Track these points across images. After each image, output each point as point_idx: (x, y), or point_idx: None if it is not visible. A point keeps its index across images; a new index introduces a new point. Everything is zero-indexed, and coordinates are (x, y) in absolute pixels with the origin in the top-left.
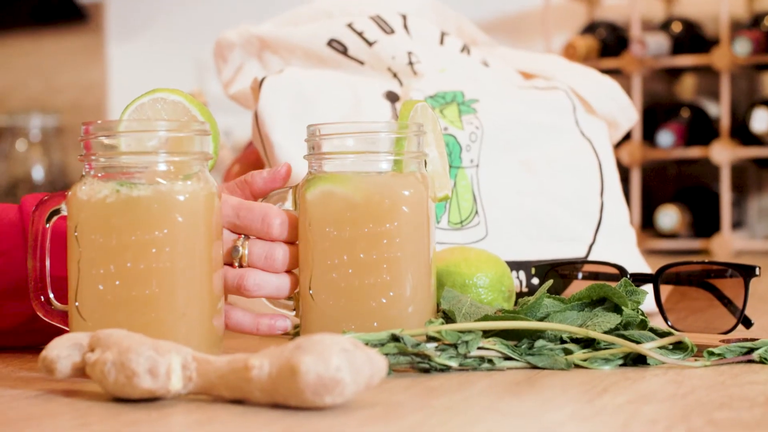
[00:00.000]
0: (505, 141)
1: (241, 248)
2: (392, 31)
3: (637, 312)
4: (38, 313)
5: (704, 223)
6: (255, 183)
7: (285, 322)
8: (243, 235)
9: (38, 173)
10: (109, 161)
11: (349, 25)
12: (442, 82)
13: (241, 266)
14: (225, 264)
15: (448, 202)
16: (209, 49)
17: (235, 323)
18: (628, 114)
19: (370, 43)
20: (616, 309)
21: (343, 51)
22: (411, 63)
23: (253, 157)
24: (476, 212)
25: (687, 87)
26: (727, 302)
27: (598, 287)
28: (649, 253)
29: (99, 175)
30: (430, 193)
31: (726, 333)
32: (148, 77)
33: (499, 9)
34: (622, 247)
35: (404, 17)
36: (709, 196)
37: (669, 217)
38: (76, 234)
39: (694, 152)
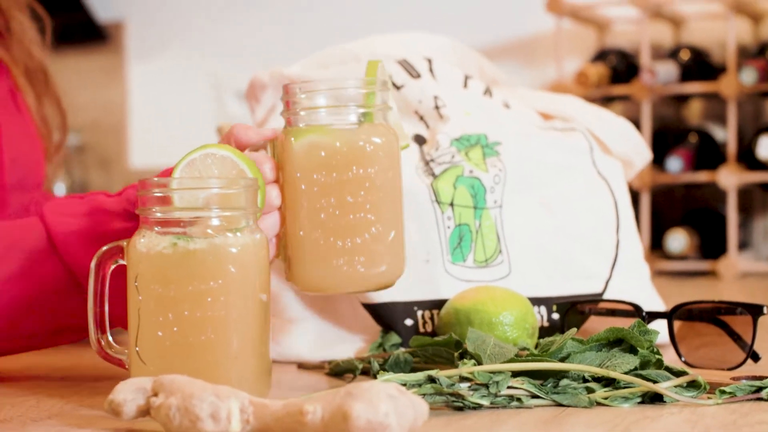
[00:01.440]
0: (527, 182)
1: None
2: (419, 76)
3: (652, 351)
4: (98, 354)
5: (711, 245)
6: (240, 136)
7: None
8: None
9: (60, 191)
10: (165, 215)
11: None
12: (466, 124)
13: None
14: None
15: (474, 241)
16: (227, 68)
17: None
18: (642, 154)
19: (398, 87)
20: (633, 349)
21: None
22: (437, 107)
23: None
24: (500, 251)
25: (694, 111)
26: (736, 338)
27: (616, 330)
28: (658, 274)
29: (156, 229)
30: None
31: (735, 368)
32: (167, 96)
33: (512, 33)
34: (636, 282)
35: (429, 61)
36: (716, 218)
37: (678, 241)
38: (136, 284)
39: (702, 177)
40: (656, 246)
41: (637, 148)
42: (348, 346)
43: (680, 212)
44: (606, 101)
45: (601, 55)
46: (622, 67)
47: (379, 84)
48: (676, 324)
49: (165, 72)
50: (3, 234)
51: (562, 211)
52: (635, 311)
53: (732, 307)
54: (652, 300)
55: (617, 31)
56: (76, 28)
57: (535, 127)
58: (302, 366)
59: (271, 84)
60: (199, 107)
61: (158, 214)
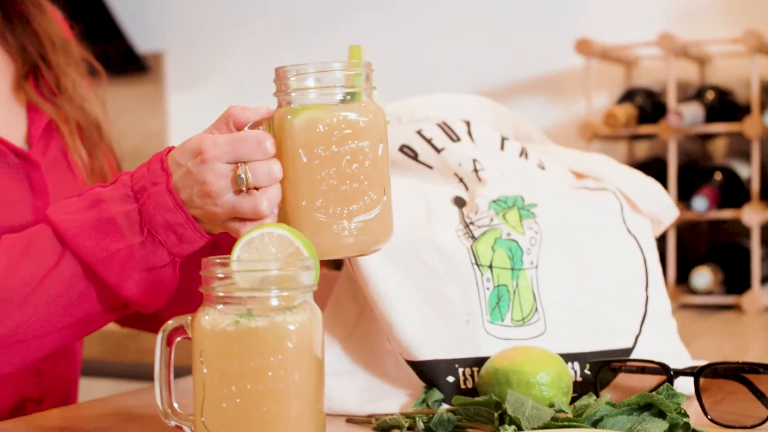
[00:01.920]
0: (561, 243)
1: (243, 174)
2: (458, 139)
3: (680, 413)
4: (164, 419)
5: (736, 279)
6: (237, 117)
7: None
8: (239, 164)
9: None
10: (226, 294)
11: (419, 132)
12: (503, 186)
13: (247, 189)
14: (233, 192)
15: (511, 300)
16: (265, 99)
17: None
18: (669, 213)
19: (438, 150)
20: (662, 412)
21: (414, 156)
22: (476, 170)
23: None
24: (536, 309)
25: (719, 148)
26: (760, 395)
27: (646, 396)
28: (683, 307)
29: (218, 307)
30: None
31: (758, 425)
32: (205, 126)
33: (541, 70)
34: (665, 336)
35: (468, 124)
36: (740, 252)
37: (703, 278)
38: (201, 359)
39: (727, 214)
40: (682, 280)
41: (666, 208)
42: (393, 400)
43: (705, 247)
44: (633, 139)
45: (628, 95)
46: (648, 106)
47: (363, 65)
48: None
49: (204, 102)
50: (15, 243)
51: (594, 270)
52: (663, 370)
53: (755, 367)
54: (679, 353)
55: (645, 67)
56: (117, 58)
57: (569, 186)
58: (351, 420)
59: None
60: None
61: (221, 294)
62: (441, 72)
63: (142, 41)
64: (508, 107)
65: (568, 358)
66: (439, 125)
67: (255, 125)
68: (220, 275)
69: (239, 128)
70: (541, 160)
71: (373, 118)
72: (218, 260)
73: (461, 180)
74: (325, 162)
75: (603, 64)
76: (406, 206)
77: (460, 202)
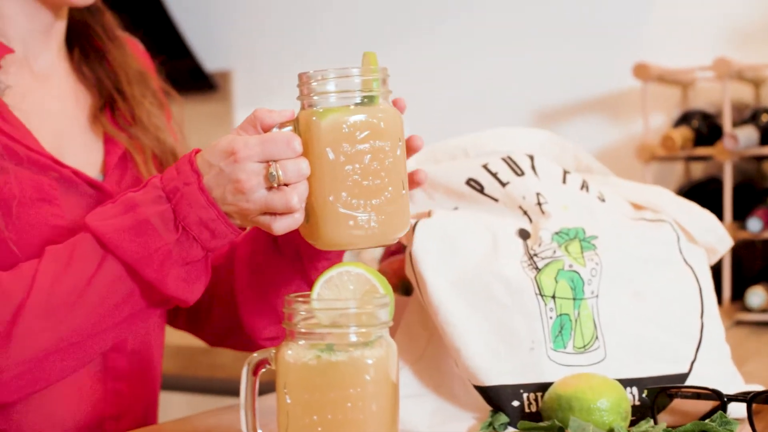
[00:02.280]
0: (620, 274)
1: (275, 171)
2: (522, 173)
3: None
4: None
5: None
6: (264, 119)
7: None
8: (271, 162)
9: None
10: (308, 330)
11: (485, 166)
12: (565, 219)
13: (278, 186)
14: (265, 189)
15: (573, 329)
16: None
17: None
18: (724, 242)
19: (503, 184)
20: None
21: (480, 189)
22: (539, 203)
23: (396, 265)
24: (596, 337)
25: None
26: None
27: (700, 424)
28: (738, 324)
29: (300, 342)
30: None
31: None
32: None
33: (599, 90)
34: (719, 362)
35: (531, 158)
36: None
37: (757, 296)
38: (285, 390)
39: None
40: (737, 297)
41: (721, 238)
42: (461, 423)
43: (760, 264)
44: (689, 160)
45: (685, 118)
46: (704, 129)
47: (380, 71)
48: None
49: None
50: (59, 253)
51: (652, 299)
52: (716, 396)
53: None
54: (732, 378)
55: (701, 89)
56: (186, 76)
57: (628, 218)
58: None
59: None
60: None
61: (303, 330)
62: (501, 93)
63: (210, 60)
64: (566, 128)
65: (626, 383)
66: (504, 159)
67: (281, 126)
68: (303, 313)
69: (266, 130)
70: (602, 192)
71: (391, 120)
72: (300, 298)
73: (525, 213)
74: (349, 159)
75: (660, 86)
76: (474, 239)
77: (524, 234)
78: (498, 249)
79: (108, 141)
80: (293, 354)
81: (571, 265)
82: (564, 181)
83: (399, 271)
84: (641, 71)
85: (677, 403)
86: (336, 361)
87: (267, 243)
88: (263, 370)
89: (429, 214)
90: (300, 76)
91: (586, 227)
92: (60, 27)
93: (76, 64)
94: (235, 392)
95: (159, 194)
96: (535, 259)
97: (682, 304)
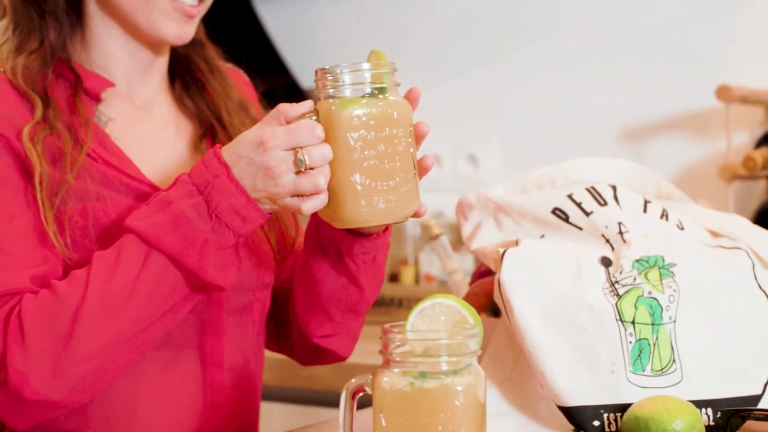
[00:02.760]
0: (697, 299)
1: (303, 157)
2: (605, 203)
3: None
4: None
5: None
6: (287, 114)
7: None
8: (297, 149)
9: None
10: (403, 359)
11: (570, 196)
12: (645, 247)
13: (305, 170)
14: (294, 174)
15: (651, 353)
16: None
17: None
18: None
19: (587, 213)
20: None
21: (565, 218)
22: (621, 232)
23: (487, 287)
24: (673, 360)
25: None
26: None
27: None
28: None
29: (395, 370)
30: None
31: None
32: None
33: (682, 109)
34: None
35: (614, 188)
36: None
37: None
38: (381, 414)
39: None
40: None
41: None
42: None
43: None
44: None
45: (766, 138)
46: None
47: (389, 65)
48: None
49: None
50: (106, 255)
51: (727, 324)
52: None
53: None
54: None
55: None
56: (282, 92)
57: (705, 245)
58: None
59: (477, 205)
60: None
61: (398, 359)
62: (586, 111)
63: (305, 76)
64: (650, 146)
65: (701, 404)
66: (588, 190)
67: (302, 117)
68: (398, 342)
69: (289, 122)
70: (680, 220)
71: (403, 110)
72: (396, 329)
73: (608, 241)
74: (366, 145)
75: (743, 106)
76: (559, 267)
77: (606, 262)
78: (581, 276)
79: None
80: (389, 381)
81: (650, 292)
82: (645, 211)
83: (489, 292)
84: (724, 93)
85: (750, 424)
86: (428, 388)
87: (315, 248)
88: (361, 394)
89: (516, 243)
90: (317, 71)
91: (665, 255)
92: (161, 62)
93: (177, 96)
94: (331, 403)
95: (190, 188)
96: (616, 286)
97: (755, 328)
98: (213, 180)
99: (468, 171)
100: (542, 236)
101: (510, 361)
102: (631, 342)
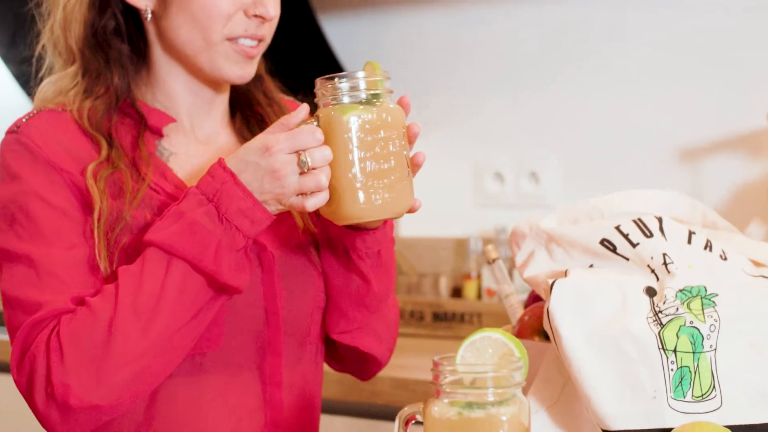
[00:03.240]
0: (738, 328)
1: (305, 158)
2: (651, 235)
3: None
4: None
5: None
6: (289, 122)
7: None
8: (300, 152)
9: None
10: (452, 389)
11: (617, 228)
12: (689, 277)
13: (308, 170)
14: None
15: (692, 380)
16: (485, 152)
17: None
18: None
19: (633, 245)
20: None
21: (613, 249)
22: (665, 263)
23: (540, 311)
24: (713, 387)
25: None
26: None
27: None
28: None
29: (444, 401)
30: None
31: None
32: (432, 174)
33: (739, 128)
34: None
35: (660, 220)
36: None
37: None
38: None
39: None
40: None
41: None
42: None
43: None
44: None
45: None
46: None
47: (382, 74)
48: None
49: (431, 152)
50: (132, 270)
51: (767, 352)
52: None
53: None
54: None
55: None
56: None
57: (748, 275)
58: None
59: (529, 234)
60: (460, 185)
61: (447, 390)
62: (642, 130)
63: None
64: (706, 164)
65: (740, 429)
66: (635, 221)
67: (302, 123)
68: (448, 374)
69: (291, 129)
70: (724, 250)
71: (396, 115)
72: (446, 361)
73: (653, 271)
74: (364, 146)
75: None
76: (605, 297)
77: (651, 292)
78: (626, 306)
79: None
80: (438, 410)
81: (691, 322)
82: (689, 242)
83: (541, 317)
84: None
85: None
86: (475, 417)
87: (325, 248)
88: (413, 422)
89: (565, 274)
90: (317, 81)
91: (708, 285)
92: (222, 98)
93: (238, 129)
94: (392, 417)
95: (200, 198)
96: (659, 315)
97: None
98: (221, 187)
99: (529, 188)
100: (591, 265)
101: (558, 386)
102: (672, 369)
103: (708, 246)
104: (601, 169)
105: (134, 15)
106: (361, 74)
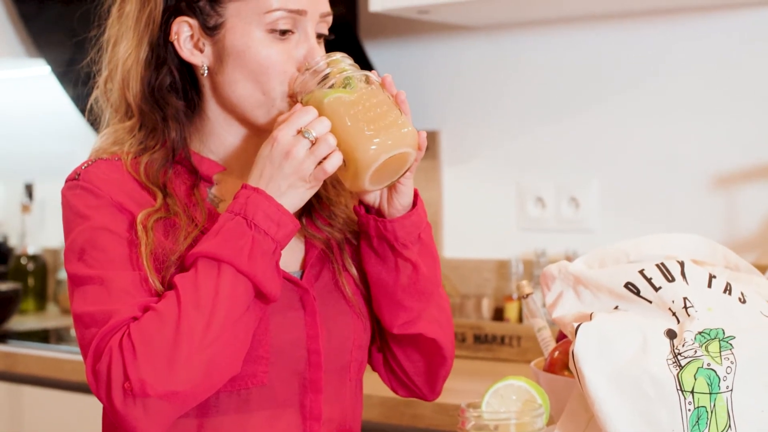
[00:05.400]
0: (754, 369)
1: (307, 132)
2: (673, 279)
3: None
4: None
5: None
6: (280, 119)
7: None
8: (301, 130)
9: None
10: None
11: (641, 272)
12: (708, 320)
13: (315, 140)
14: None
15: (708, 419)
16: (527, 176)
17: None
18: None
19: (656, 288)
20: None
21: (636, 292)
22: (686, 307)
23: (568, 347)
24: (729, 426)
25: None
26: None
27: None
28: None
29: None
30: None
31: None
32: (474, 198)
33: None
34: None
35: (682, 264)
36: None
37: None
38: None
39: None
40: None
41: None
42: None
43: None
44: None
45: None
46: None
47: (339, 56)
48: None
49: (474, 176)
50: (187, 277)
51: None
52: None
53: None
54: None
55: None
56: None
57: (766, 317)
58: None
59: (558, 276)
60: (502, 209)
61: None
62: (681, 156)
63: (418, 121)
64: (742, 192)
65: None
66: (658, 266)
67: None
68: (473, 420)
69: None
70: (743, 292)
71: (365, 74)
72: (472, 408)
73: (674, 314)
74: (352, 104)
75: None
76: (627, 340)
77: (671, 335)
78: (647, 348)
79: (307, 242)
80: None
81: (709, 364)
82: (709, 285)
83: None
84: None
85: None
86: None
87: (371, 257)
88: None
89: (590, 317)
90: (290, 80)
91: (726, 328)
92: None
93: None
94: None
95: (230, 216)
96: (679, 357)
97: None
98: (245, 201)
99: (569, 212)
100: (616, 307)
101: (584, 422)
102: (690, 410)
103: (728, 289)
104: (639, 194)
105: (189, 70)
106: (322, 61)
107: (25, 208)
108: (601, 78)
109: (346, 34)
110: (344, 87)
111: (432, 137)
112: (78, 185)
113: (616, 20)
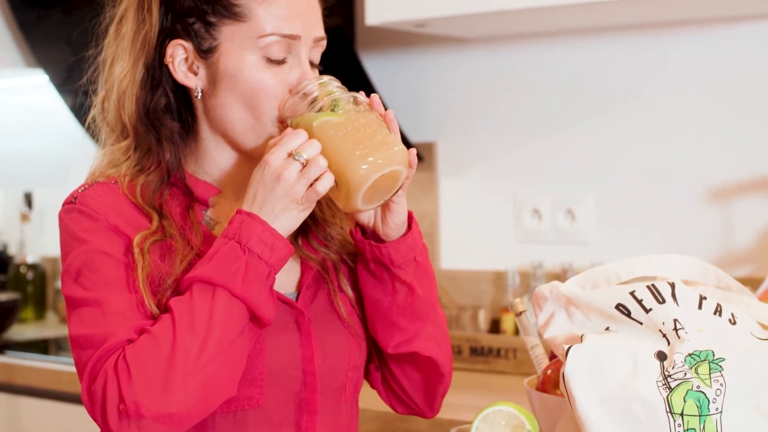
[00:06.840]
0: (744, 391)
1: (298, 155)
2: (663, 301)
3: None
4: None
5: None
6: (271, 143)
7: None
8: (291, 152)
9: None
10: None
11: (632, 293)
12: (698, 342)
13: (305, 163)
14: (298, 171)
15: None
16: (524, 188)
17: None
18: None
19: (647, 310)
20: None
21: (627, 314)
22: (676, 329)
23: (560, 365)
24: None
25: None
26: None
27: None
28: None
29: None
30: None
31: None
32: (471, 209)
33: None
34: None
35: (672, 286)
36: None
37: None
38: None
39: None
40: None
41: None
42: None
43: None
44: None
45: None
46: None
47: (327, 79)
48: None
49: (470, 188)
50: (183, 300)
51: None
52: None
53: None
54: None
55: None
56: None
57: (755, 339)
58: None
59: (550, 297)
60: (498, 221)
61: None
62: (677, 169)
63: (414, 132)
64: (738, 205)
65: None
66: (649, 287)
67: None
68: None
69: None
70: (733, 314)
71: (352, 95)
72: None
73: (664, 336)
74: (341, 125)
75: None
76: (617, 362)
77: (662, 356)
78: (638, 370)
79: (303, 263)
80: None
81: (698, 387)
82: (700, 307)
83: None
84: None
85: None
86: None
87: (368, 279)
88: None
89: (581, 339)
90: (281, 104)
91: (716, 350)
92: None
93: None
94: None
95: (224, 240)
96: (668, 379)
97: None
98: (240, 226)
99: (566, 225)
100: (607, 328)
101: None
102: (679, 431)
103: (718, 310)
104: (636, 207)
105: (184, 92)
106: (309, 84)
107: (25, 217)
108: (598, 90)
109: (343, 47)
110: (332, 109)
111: (429, 149)
112: (75, 209)
113: (612, 33)
